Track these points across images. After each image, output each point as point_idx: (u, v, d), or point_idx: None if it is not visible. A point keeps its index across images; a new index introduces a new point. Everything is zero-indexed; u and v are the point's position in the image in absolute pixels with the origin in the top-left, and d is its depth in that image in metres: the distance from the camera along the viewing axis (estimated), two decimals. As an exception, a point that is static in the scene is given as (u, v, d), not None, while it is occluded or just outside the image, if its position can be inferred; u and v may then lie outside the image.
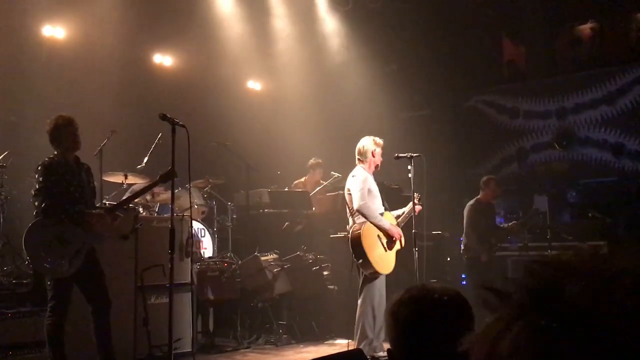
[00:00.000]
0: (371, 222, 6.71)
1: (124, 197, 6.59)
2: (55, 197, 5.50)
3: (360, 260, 6.65)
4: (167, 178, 5.80)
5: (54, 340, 5.54)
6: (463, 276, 10.32)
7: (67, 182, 5.61)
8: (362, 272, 6.73)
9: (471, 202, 9.43)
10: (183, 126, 5.34)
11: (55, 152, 5.69)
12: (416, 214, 6.90)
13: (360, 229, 6.68)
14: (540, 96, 12.06)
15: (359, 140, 7.12)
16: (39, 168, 5.55)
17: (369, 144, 6.99)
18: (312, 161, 10.29)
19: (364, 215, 6.70)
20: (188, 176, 5.54)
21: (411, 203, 7.00)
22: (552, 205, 10.49)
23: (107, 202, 6.99)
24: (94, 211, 5.66)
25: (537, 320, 0.71)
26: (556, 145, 11.80)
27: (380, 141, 7.04)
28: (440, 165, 11.35)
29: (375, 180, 7.06)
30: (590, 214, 9.61)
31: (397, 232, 6.84)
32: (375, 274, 6.68)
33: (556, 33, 11.98)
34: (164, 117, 5.35)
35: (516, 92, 12.35)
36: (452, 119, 12.98)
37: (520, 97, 12.29)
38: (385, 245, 6.76)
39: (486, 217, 9.28)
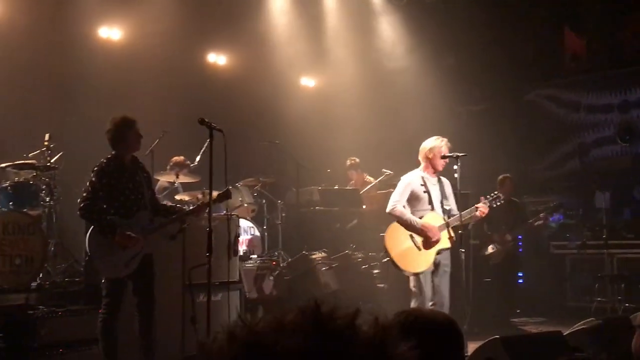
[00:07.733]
0: (401, 225, 6.83)
1: (184, 212, 6.59)
2: (97, 200, 5.58)
3: (387, 259, 7.13)
4: (223, 198, 5.93)
5: (106, 336, 5.64)
6: (520, 274, 10.14)
7: (122, 185, 5.67)
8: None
9: None
10: (220, 130, 5.35)
11: (113, 153, 5.70)
12: (483, 215, 6.92)
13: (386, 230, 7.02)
14: (602, 89, 11.65)
15: (413, 137, 7.22)
16: (95, 169, 5.64)
17: (425, 144, 6.89)
18: (347, 162, 10.24)
19: (395, 219, 6.86)
20: (224, 179, 5.53)
21: (474, 207, 6.90)
22: (613, 202, 10.15)
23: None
24: (129, 233, 5.57)
25: None
26: (619, 140, 11.39)
27: (436, 140, 6.85)
28: (499, 160, 11.13)
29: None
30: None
31: (430, 231, 6.73)
32: (405, 272, 6.87)
33: (619, 24, 11.54)
34: (202, 122, 5.39)
35: (577, 85, 11.96)
36: (512, 113, 12.66)
37: (582, 91, 11.89)
38: (420, 245, 6.77)
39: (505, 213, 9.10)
